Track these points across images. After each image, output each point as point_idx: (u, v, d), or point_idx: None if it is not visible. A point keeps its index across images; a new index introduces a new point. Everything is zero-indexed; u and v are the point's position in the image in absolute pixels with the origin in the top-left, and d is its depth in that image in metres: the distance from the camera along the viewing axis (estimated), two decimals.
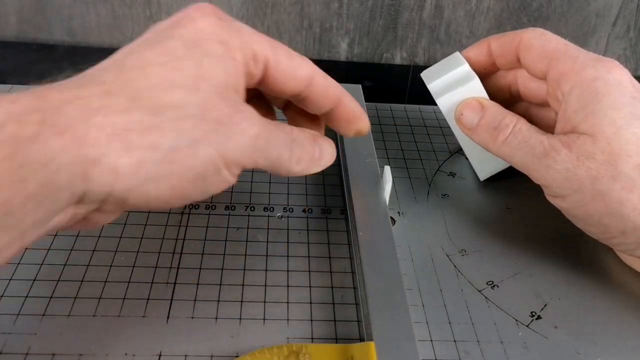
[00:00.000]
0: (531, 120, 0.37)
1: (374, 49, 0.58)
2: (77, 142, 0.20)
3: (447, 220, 0.36)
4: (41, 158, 0.20)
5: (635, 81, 0.31)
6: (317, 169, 0.29)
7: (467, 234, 0.35)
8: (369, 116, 0.41)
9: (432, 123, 0.45)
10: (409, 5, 0.56)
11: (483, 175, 0.39)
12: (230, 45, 0.25)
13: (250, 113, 0.25)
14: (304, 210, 0.36)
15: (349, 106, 0.30)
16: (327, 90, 0.29)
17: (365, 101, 0.42)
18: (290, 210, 0.36)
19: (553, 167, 0.30)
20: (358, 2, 0.55)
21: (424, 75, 0.37)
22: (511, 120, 0.32)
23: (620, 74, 0.31)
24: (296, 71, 0.28)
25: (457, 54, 0.37)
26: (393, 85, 0.55)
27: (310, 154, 0.28)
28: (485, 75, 0.37)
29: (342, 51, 0.58)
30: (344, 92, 0.30)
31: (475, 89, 0.35)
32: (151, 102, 0.22)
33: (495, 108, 0.33)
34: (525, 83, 0.36)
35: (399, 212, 0.36)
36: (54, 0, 0.54)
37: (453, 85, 0.35)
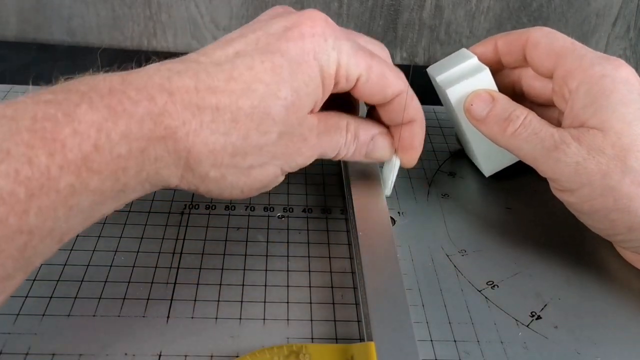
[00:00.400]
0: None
1: None
2: (185, 152, 0.25)
3: (447, 220, 0.36)
4: (157, 155, 0.24)
5: None
6: (367, 160, 0.32)
7: (467, 234, 0.35)
8: None
9: (432, 123, 0.45)
10: (409, 5, 0.56)
11: (488, 171, 0.38)
12: (328, 71, 0.28)
13: (314, 138, 0.29)
14: (304, 210, 0.36)
15: (414, 133, 0.33)
16: (404, 111, 0.32)
17: None
18: (290, 210, 0.36)
19: (563, 160, 0.30)
20: (358, 2, 0.55)
21: (431, 70, 0.37)
22: (522, 113, 0.32)
23: (627, 72, 0.31)
24: (384, 89, 0.30)
25: (464, 49, 0.37)
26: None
27: (360, 149, 0.32)
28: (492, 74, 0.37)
29: None
30: (420, 118, 0.32)
31: (486, 80, 0.35)
32: (251, 126, 0.26)
33: (505, 100, 0.33)
34: (529, 82, 0.36)
35: (399, 212, 0.36)
36: (54, 0, 0.54)
37: (463, 76, 0.35)
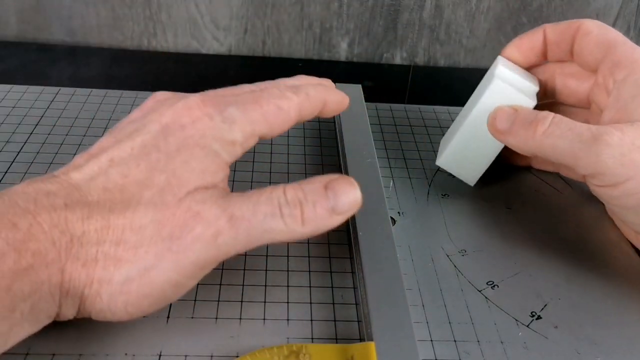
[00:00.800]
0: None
1: (374, 49, 0.58)
2: (59, 274, 0.23)
3: (447, 220, 0.36)
4: (28, 289, 0.22)
5: None
6: (338, 221, 0.26)
7: (467, 234, 0.35)
8: (368, 116, 0.41)
9: (432, 123, 0.45)
10: (409, 5, 0.56)
11: (472, 179, 0.38)
12: (214, 147, 0.26)
13: (207, 209, 0.24)
14: None
15: (335, 102, 0.32)
16: (313, 115, 0.31)
17: (365, 101, 0.42)
18: None
19: (605, 152, 0.28)
20: (358, 2, 0.55)
21: (501, 59, 0.36)
22: (548, 113, 0.31)
23: None
24: (285, 117, 0.29)
25: (534, 77, 0.36)
26: (393, 85, 0.55)
27: (319, 209, 0.25)
28: (529, 66, 0.37)
29: (342, 51, 0.58)
30: (324, 95, 0.32)
31: (528, 106, 0.34)
32: (125, 224, 0.24)
33: (527, 108, 0.33)
34: (564, 80, 0.36)
35: (399, 212, 0.36)
36: (54, 0, 0.54)
37: (515, 85, 0.34)
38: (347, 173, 0.35)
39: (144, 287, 0.24)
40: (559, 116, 0.31)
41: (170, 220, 0.24)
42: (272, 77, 0.57)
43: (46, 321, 0.24)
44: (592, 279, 0.32)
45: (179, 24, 0.56)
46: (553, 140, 0.30)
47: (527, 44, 0.36)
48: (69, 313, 0.24)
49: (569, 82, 0.36)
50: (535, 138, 0.31)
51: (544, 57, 0.37)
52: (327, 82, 0.34)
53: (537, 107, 0.35)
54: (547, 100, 0.38)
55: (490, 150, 0.35)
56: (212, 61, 0.56)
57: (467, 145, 0.36)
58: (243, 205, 0.25)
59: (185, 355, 0.27)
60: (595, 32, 0.34)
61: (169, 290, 0.24)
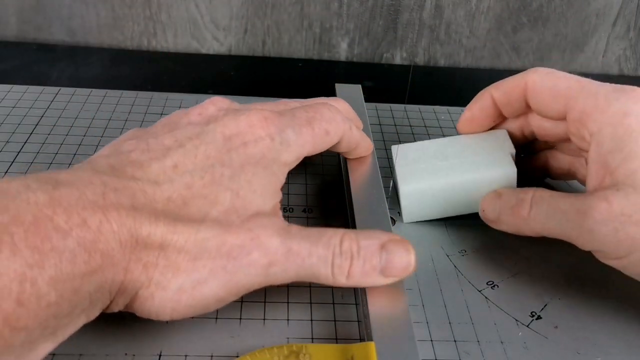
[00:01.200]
0: (553, 156, 0.36)
1: (374, 49, 0.58)
2: (122, 275, 0.23)
3: (447, 220, 0.36)
4: (93, 289, 0.22)
5: None
6: (384, 282, 0.27)
7: (467, 234, 0.35)
8: (368, 116, 0.41)
9: (432, 123, 0.45)
10: (409, 5, 0.56)
11: (408, 218, 0.35)
12: (280, 165, 0.28)
13: (267, 236, 0.25)
14: (304, 210, 0.36)
15: (364, 148, 0.35)
16: (352, 143, 0.34)
17: (365, 101, 0.42)
18: (290, 210, 0.36)
19: (598, 229, 0.27)
20: (358, 2, 0.55)
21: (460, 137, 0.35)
22: (526, 192, 0.30)
23: None
24: (327, 147, 0.31)
25: (506, 132, 0.35)
26: (393, 85, 0.55)
27: (367, 267, 0.26)
28: (495, 126, 0.36)
29: (342, 51, 0.58)
30: (364, 144, 0.35)
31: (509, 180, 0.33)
32: (183, 237, 0.24)
33: (509, 190, 0.31)
34: (538, 124, 0.34)
35: (399, 212, 0.36)
36: (54, 0, 0.54)
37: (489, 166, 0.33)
38: (347, 173, 0.35)
39: (193, 299, 0.24)
40: (539, 193, 0.30)
41: (231, 238, 0.25)
42: (272, 77, 0.57)
43: (97, 314, 0.24)
44: (592, 279, 0.32)
45: (179, 24, 0.56)
46: (541, 223, 0.29)
47: (478, 113, 0.35)
48: (116, 307, 0.24)
49: (544, 125, 0.34)
50: (522, 222, 0.30)
51: (502, 117, 0.35)
52: (358, 122, 0.37)
53: (524, 148, 0.35)
54: (531, 141, 0.37)
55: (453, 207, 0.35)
56: (212, 61, 0.56)
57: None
58: (302, 242, 0.26)
59: (185, 355, 0.27)
60: (546, 86, 0.31)
61: (212, 304, 0.25)
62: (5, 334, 0.19)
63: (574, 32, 0.58)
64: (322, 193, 0.37)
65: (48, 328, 0.21)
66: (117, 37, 0.56)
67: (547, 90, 0.31)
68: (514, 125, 0.35)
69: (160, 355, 0.27)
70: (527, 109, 0.34)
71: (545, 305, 0.31)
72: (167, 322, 0.28)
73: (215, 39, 0.57)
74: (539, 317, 0.30)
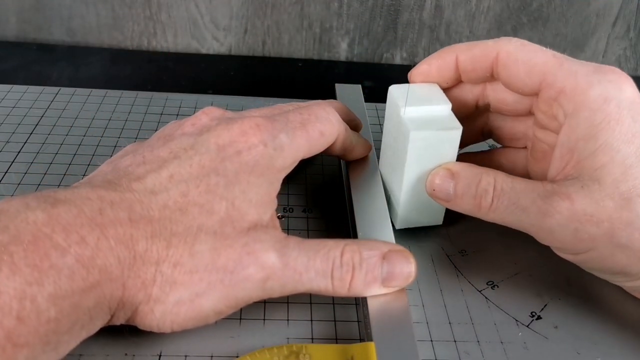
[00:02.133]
0: (502, 132, 0.34)
1: (374, 49, 0.58)
2: (120, 290, 0.23)
3: (447, 220, 0.36)
4: (92, 304, 0.22)
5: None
6: (384, 291, 0.27)
7: (467, 234, 0.35)
8: (368, 116, 0.41)
9: None
10: (409, 5, 0.56)
11: (438, 220, 0.34)
12: (275, 170, 0.28)
13: (264, 251, 0.25)
14: (304, 210, 0.36)
15: (361, 151, 0.35)
16: (351, 145, 0.34)
17: (365, 101, 0.42)
18: (290, 210, 0.36)
19: (557, 230, 0.26)
20: (358, 2, 0.55)
21: (394, 90, 0.32)
22: (488, 183, 0.28)
23: (631, 88, 0.27)
24: (326, 144, 0.31)
25: (437, 86, 0.32)
26: (394, 84, 0.55)
27: (369, 278, 0.26)
28: (447, 88, 0.33)
29: (342, 51, 0.58)
30: (361, 147, 0.35)
31: (455, 139, 0.30)
32: (179, 251, 0.25)
33: (466, 171, 0.29)
34: (499, 96, 0.32)
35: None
36: (54, 0, 0.54)
37: (431, 124, 0.30)
38: (347, 173, 0.35)
39: (192, 311, 0.25)
40: (500, 183, 0.28)
41: (227, 251, 0.25)
42: (272, 77, 0.57)
43: (98, 328, 0.24)
44: (592, 279, 0.32)
45: (179, 24, 0.56)
46: (501, 217, 0.28)
47: (436, 70, 0.32)
48: (117, 321, 0.25)
49: (505, 97, 0.31)
50: (482, 213, 0.29)
51: (459, 81, 0.33)
52: (358, 122, 0.37)
53: (472, 120, 0.34)
54: (482, 113, 0.34)
55: None
56: (212, 61, 0.56)
57: (417, 199, 0.32)
58: (299, 257, 0.26)
59: (185, 355, 0.27)
60: (520, 59, 0.29)
61: (211, 317, 0.25)
62: (7, 350, 0.20)
63: (574, 32, 0.58)
64: (322, 193, 0.37)
65: (49, 344, 0.21)
66: (117, 37, 0.56)
67: (522, 63, 0.29)
68: (470, 94, 0.33)
69: (160, 356, 0.27)
70: (489, 78, 0.31)
71: (545, 305, 0.31)
72: None
73: (215, 39, 0.57)
74: (539, 317, 0.30)
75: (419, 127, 0.30)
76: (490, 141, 0.38)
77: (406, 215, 0.33)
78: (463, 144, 0.33)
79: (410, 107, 0.30)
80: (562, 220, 0.26)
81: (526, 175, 0.33)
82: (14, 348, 0.20)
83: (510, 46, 0.30)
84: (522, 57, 0.29)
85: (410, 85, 0.33)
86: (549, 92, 0.29)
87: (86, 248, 0.22)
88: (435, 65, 0.32)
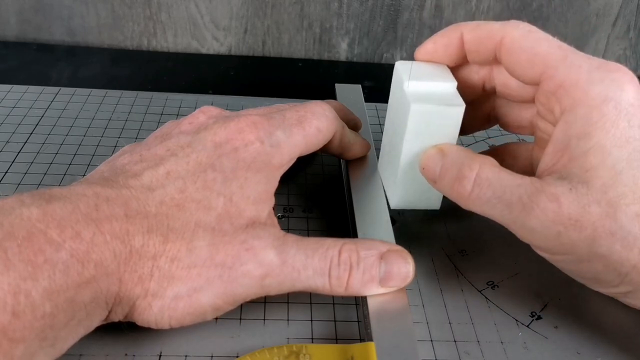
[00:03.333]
0: (508, 118, 0.33)
1: (374, 49, 0.58)
2: (117, 284, 0.23)
3: (447, 221, 0.36)
4: (88, 299, 0.22)
5: None
6: (381, 291, 0.27)
7: (467, 234, 0.35)
8: (368, 116, 0.41)
9: None
10: (409, 5, 0.56)
11: (436, 204, 0.33)
12: (265, 173, 0.28)
13: (262, 247, 0.25)
14: (304, 210, 0.36)
15: (359, 151, 0.35)
16: (346, 143, 0.34)
17: (365, 101, 0.42)
18: (290, 210, 0.36)
19: (539, 231, 0.26)
20: (358, 2, 0.55)
21: (400, 66, 0.31)
22: (471, 168, 0.27)
23: (633, 90, 0.26)
24: (321, 144, 0.31)
25: (446, 67, 0.32)
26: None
27: (366, 277, 0.26)
28: (454, 68, 0.32)
29: (342, 51, 0.58)
30: (359, 146, 0.35)
31: (456, 117, 0.29)
32: (176, 246, 0.25)
33: (455, 153, 0.28)
34: (504, 81, 0.31)
35: (399, 212, 0.36)
36: (54, 0, 0.54)
37: (434, 99, 0.29)
38: (347, 173, 0.35)
39: (190, 307, 0.25)
40: (485, 171, 0.27)
41: (225, 247, 0.25)
42: (272, 77, 0.57)
43: (96, 325, 0.24)
44: None
45: (179, 24, 0.56)
46: (481, 208, 0.27)
47: (442, 49, 0.31)
48: (115, 318, 0.25)
49: (510, 83, 0.31)
50: (462, 200, 0.28)
51: (466, 60, 0.32)
52: (358, 121, 0.37)
53: (479, 104, 0.33)
54: (490, 96, 0.33)
55: None
56: (212, 61, 0.56)
57: (414, 178, 0.31)
58: (297, 255, 0.26)
59: (185, 356, 0.27)
60: (525, 46, 0.28)
61: (209, 313, 0.25)
62: (4, 345, 0.20)
63: (574, 32, 0.58)
64: (322, 193, 0.37)
65: (46, 340, 0.21)
66: (117, 37, 0.56)
67: (525, 52, 0.28)
68: (476, 75, 0.32)
69: (160, 356, 0.27)
70: (495, 61, 0.30)
71: (545, 305, 0.31)
72: None
73: (215, 39, 0.57)
74: (539, 317, 0.30)
75: (421, 100, 0.29)
76: (491, 141, 0.38)
77: (402, 194, 0.32)
78: (469, 128, 0.33)
79: (415, 82, 0.30)
80: (546, 221, 0.25)
81: (529, 168, 0.32)
82: (10, 343, 0.20)
83: (516, 32, 0.29)
84: (525, 45, 0.28)
85: (418, 62, 0.32)
86: (549, 85, 0.28)
87: (81, 243, 0.22)
88: (440, 43, 0.31)
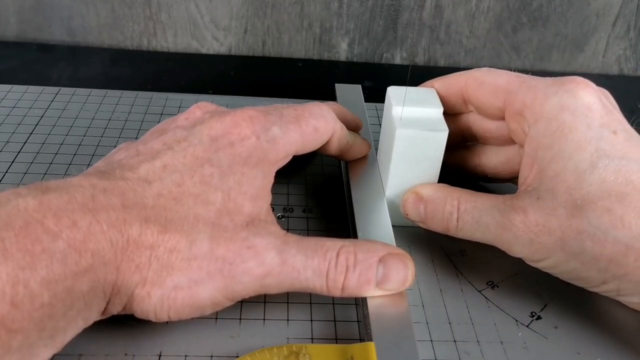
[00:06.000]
0: (495, 160, 0.35)
1: (374, 49, 0.58)
2: (114, 273, 0.23)
3: None
4: (86, 288, 0.22)
5: (604, 97, 0.29)
6: (379, 293, 0.27)
7: None
8: (368, 116, 0.41)
9: None
10: (409, 5, 0.56)
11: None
12: (261, 168, 0.28)
13: (263, 247, 0.25)
14: (304, 210, 0.36)
15: (358, 152, 0.35)
16: (345, 145, 0.34)
17: (365, 101, 0.42)
18: (290, 210, 0.36)
19: (514, 242, 0.28)
20: (358, 2, 0.55)
21: (392, 91, 0.33)
22: (452, 205, 0.30)
23: (587, 95, 0.28)
24: (320, 142, 0.32)
25: (435, 92, 0.34)
26: (393, 85, 0.55)
27: (362, 280, 0.26)
28: None
29: (342, 51, 0.58)
30: (360, 147, 0.35)
31: (440, 142, 0.31)
32: (175, 237, 0.24)
33: (432, 196, 0.31)
34: (481, 125, 0.34)
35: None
36: (54, 0, 0.54)
37: (420, 124, 0.31)
38: (347, 173, 0.35)
39: (189, 298, 0.25)
40: (463, 204, 0.29)
41: (226, 243, 0.25)
42: (272, 77, 0.57)
43: (96, 317, 0.24)
44: None
45: (179, 24, 0.56)
46: (469, 234, 0.30)
47: None
48: (114, 310, 0.25)
49: (488, 126, 0.33)
50: (452, 233, 0.30)
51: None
52: (358, 122, 0.37)
53: (466, 154, 0.34)
54: (471, 142, 0.36)
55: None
56: (212, 61, 0.56)
57: (400, 199, 0.33)
58: (297, 255, 0.26)
59: (185, 356, 0.27)
60: (487, 80, 0.31)
61: (208, 306, 0.25)
62: (2, 336, 0.20)
63: (574, 32, 0.58)
64: (322, 193, 0.37)
65: (44, 330, 0.21)
66: (117, 37, 0.56)
67: (487, 85, 0.31)
68: (454, 126, 0.34)
69: (160, 355, 0.27)
70: (464, 107, 0.34)
71: (545, 305, 0.31)
72: (166, 322, 0.28)
73: (215, 39, 0.57)
74: (539, 317, 0.30)
75: (406, 126, 0.31)
76: None
77: (392, 214, 0.32)
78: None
79: (402, 107, 0.32)
80: (518, 232, 0.27)
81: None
82: (8, 333, 0.20)
83: (478, 72, 0.32)
84: (487, 79, 0.31)
85: (409, 87, 0.33)
86: (513, 107, 0.30)
87: (78, 232, 0.22)
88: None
